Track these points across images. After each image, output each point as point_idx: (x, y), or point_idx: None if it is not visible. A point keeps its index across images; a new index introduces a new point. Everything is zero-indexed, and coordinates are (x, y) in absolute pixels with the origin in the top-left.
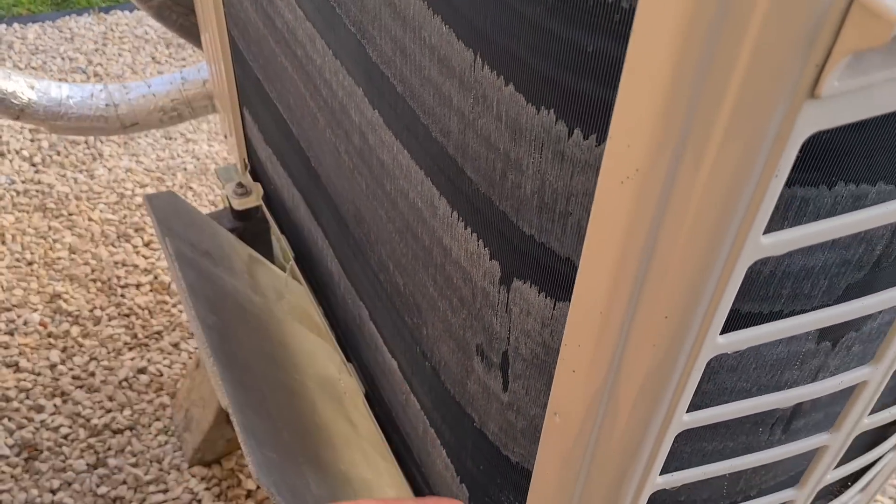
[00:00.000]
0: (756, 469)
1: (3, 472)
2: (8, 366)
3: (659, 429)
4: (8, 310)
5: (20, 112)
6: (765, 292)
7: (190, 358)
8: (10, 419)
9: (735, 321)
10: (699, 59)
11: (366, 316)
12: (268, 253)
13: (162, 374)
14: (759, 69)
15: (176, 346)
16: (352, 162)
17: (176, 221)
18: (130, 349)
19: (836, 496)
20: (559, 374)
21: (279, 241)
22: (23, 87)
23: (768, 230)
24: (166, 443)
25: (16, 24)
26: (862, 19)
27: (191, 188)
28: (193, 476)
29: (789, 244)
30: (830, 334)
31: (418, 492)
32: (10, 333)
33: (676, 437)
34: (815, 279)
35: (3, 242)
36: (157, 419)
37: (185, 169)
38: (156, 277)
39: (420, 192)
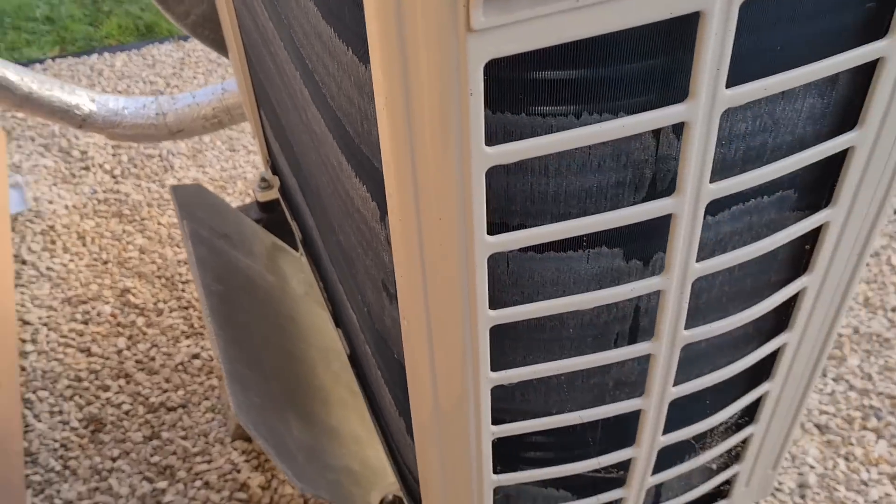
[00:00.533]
0: (591, 374)
1: (72, 442)
2: (81, 350)
3: (470, 324)
4: (84, 302)
5: (82, 121)
6: (534, 209)
7: None
8: (80, 396)
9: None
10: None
11: (335, 279)
12: (293, 241)
13: (212, 360)
14: (429, 9)
15: None
16: (308, 138)
17: (198, 208)
18: (187, 337)
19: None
20: (400, 290)
21: (292, 226)
22: (85, 100)
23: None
24: (213, 419)
25: (106, 54)
26: None
27: (248, 194)
28: (235, 449)
29: (508, 156)
30: (637, 254)
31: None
32: (85, 323)
33: (507, 342)
34: (575, 200)
35: (84, 244)
36: (206, 399)
37: (245, 178)
38: None
39: (333, 153)
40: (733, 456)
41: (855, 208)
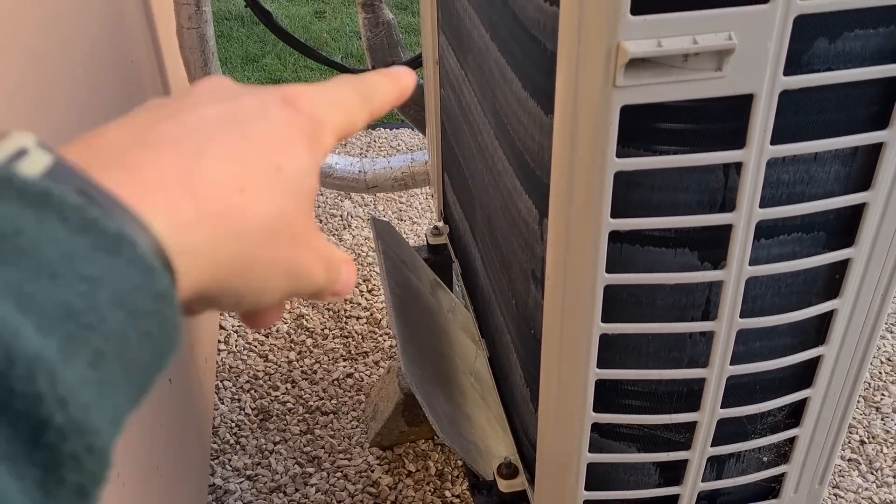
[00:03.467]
0: (672, 345)
1: (245, 424)
2: (260, 356)
3: (591, 287)
4: None
5: None
6: (645, 214)
7: (384, 371)
8: (255, 391)
9: None
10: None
11: (487, 292)
12: (449, 283)
13: (363, 380)
14: (594, 77)
15: (377, 363)
16: (488, 178)
17: (388, 237)
18: (344, 360)
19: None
20: (548, 268)
21: (454, 264)
22: None
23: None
24: (356, 427)
25: None
26: (621, 52)
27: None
28: (371, 454)
29: (628, 165)
30: (708, 258)
31: (510, 417)
32: (267, 336)
33: (615, 304)
34: (670, 210)
35: None
36: (353, 409)
37: (426, 240)
38: (371, 314)
39: (510, 180)
40: (782, 454)
41: (875, 250)
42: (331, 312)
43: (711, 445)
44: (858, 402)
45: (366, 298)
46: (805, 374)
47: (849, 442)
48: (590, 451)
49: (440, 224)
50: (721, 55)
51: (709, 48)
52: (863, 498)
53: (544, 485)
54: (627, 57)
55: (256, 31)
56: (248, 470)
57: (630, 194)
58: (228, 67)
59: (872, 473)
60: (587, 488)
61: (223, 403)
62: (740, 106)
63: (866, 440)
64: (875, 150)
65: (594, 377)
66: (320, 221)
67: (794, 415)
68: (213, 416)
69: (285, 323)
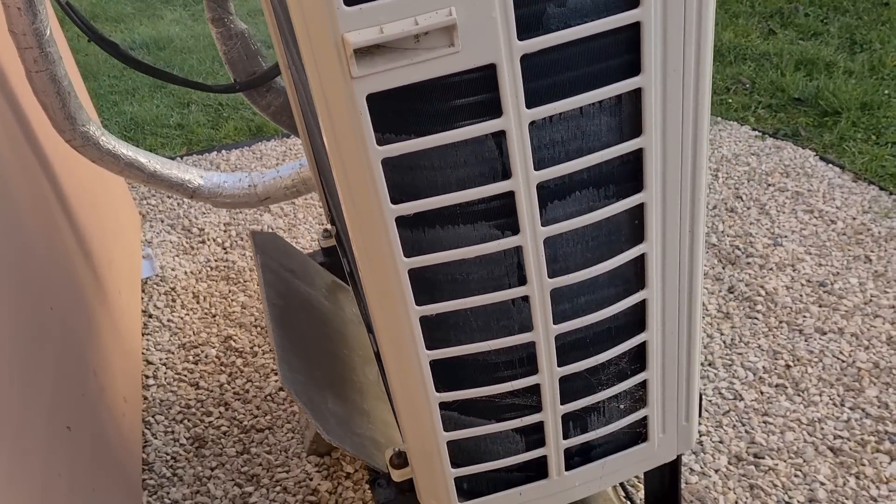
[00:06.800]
0: (498, 316)
1: (180, 455)
2: (191, 385)
3: (395, 269)
4: (195, 347)
5: (193, 192)
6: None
7: None
8: (188, 420)
9: None
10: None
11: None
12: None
13: None
14: (330, 69)
15: None
16: (328, 166)
17: (271, 249)
18: (275, 374)
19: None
20: (354, 249)
21: (342, 261)
22: (195, 176)
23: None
24: (292, 438)
25: (223, 151)
26: (346, 43)
27: None
28: (309, 462)
29: (392, 151)
30: (506, 227)
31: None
32: (196, 363)
33: (434, 290)
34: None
35: (198, 302)
36: (288, 422)
37: (319, 244)
38: None
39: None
40: (638, 399)
41: (667, 190)
42: (258, 329)
43: (561, 403)
44: (781, 327)
45: None
46: (637, 320)
47: (774, 368)
48: (447, 429)
49: (329, 226)
50: (449, 31)
51: (432, 26)
52: (791, 421)
53: (417, 468)
54: (352, 48)
55: (162, 57)
56: (187, 500)
57: (415, 178)
58: (137, 97)
59: (799, 395)
60: (457, 465)
61: (156, 438)
62: (490, 75)
63: (791, 364)
64: (637, 96)
65: (426, 358)
66: (241, 239)
67: (638, 359)
68: (147, 451)
69: (213, 347)
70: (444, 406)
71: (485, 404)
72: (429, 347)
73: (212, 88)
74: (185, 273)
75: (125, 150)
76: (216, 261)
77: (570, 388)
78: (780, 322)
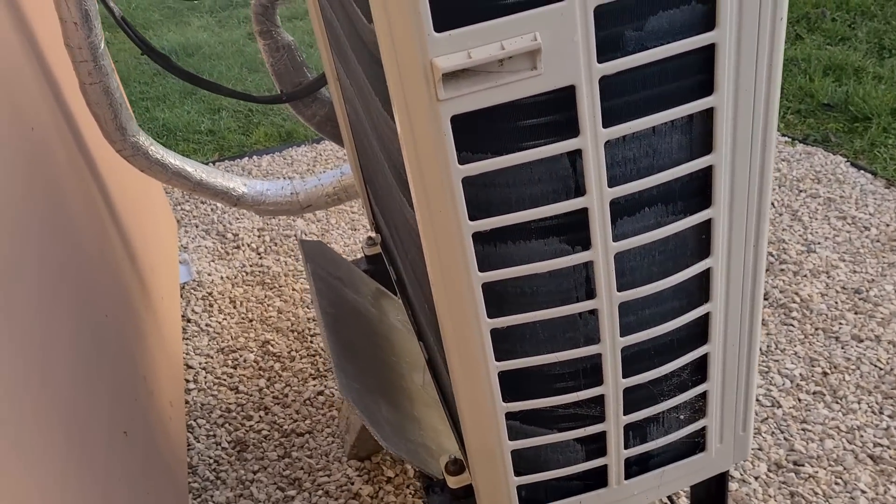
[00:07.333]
0: (565, 328)
1: (223, 458)
2: (231, 389)
3: (468, 284)
4: (234, 351)
5: (237, 201)
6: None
7: None
8: (230, 424)
9: None
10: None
11: (415, 299)
12: (393, 288)
13: (333, 395)
14: (418, 93)
15: None
16: (391, 193)
17: (319, 257)
18: (314, 378)
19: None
20: (429, 269)
21: (389, 270)
22: (239, 185)
23: (463, 162)
24: (332, 443)
25: (254, 157)
26: (435, 68)
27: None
28: (350, 466)
29: (473, 170)
30: (577, 242)
31: (451, 417)
32: (235, 367)
33: (503, 303)
34: (528, 203)
35: (234, 306)
36: (328, 426)
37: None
38: None
39: (394, 188)
40: (697, 410)
41: (734, 206)
42: (295, 334)
43: (624, 414)
44: (817, 334)
45: None
46: (700, 333)
47: (812, 375)
48: (511, 438)
49: (373, 234)
50: (532, 55)
51: (518, 51)
52: (830, 428)
53: (479, 476)
54: (441, 73)
55: (191, 63)
56: (231, 503)
57: (489, 195)
58: (168, 103)
59: (837, 402)
60: (519, 473)
61: (199, 441)
62: (569, 96)
63: (828, 371)
64: (709, 115)
65: (495, 370)
66: (275, 245)
67: (699, 371)
68: (191, 455)
69: (251, 351)
70: (509, 416)
71: (547, 414)
72: (497, 359)
73: (259, 99)
74: (222, 278)
75: (172, 160)
76: (251, 266)
77: (633, 398)
78: (816, 329)
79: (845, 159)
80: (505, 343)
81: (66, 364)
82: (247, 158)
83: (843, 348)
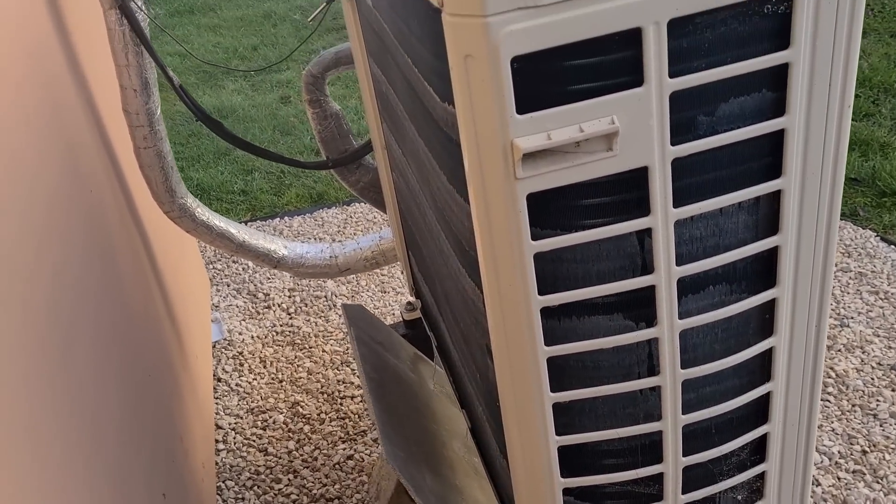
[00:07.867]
0: (625, 404)
1: None
2: (260, 450)
3: (533, 357)
4: (263, 412)
5: (277, 262)
6: (573, 286)
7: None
8: (258, 487)
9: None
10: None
11: (460, 364)
12: (429, 353)
13: (363, 460)
14: (496, 172)
15: (375, 440)
16: (441, 260)
17: (361, 321)
18: (343, 442)
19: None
20: (492, 338)
21: (429, 335)
22: (280, 247)
23: (536, 238)
24: None
25: (286, 217)
26: (515, 149)
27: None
28: None
29: (544, 246)
30: (641, 319)
31: (494, 484)
32: (264, 428)
33: (564, 377)
34: (595, 279)
35: (265, 366)
36: (357, 492)
37: (394, 314)
38: None
39: (455, 262)
40: (755, 490)
41: (798, 287)
42: (325, 396)
43: (683, 493)
44: (854, 411)
45: (357, 376)
46: (760, 411)
47: (850, 453)
48: None
49: (413, 299)
50: (609, 137)
51: (595, 134)
52: None
53: None
54: (521, 153)
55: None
56: None
57: (557, 269)
58: (202, 164)
59: (878, 482)
60: None
61: None
62: (641, 176)
63: (868, 449)
64: (776, 196)
65: (555, 444)
66: (305, 305)
67: (758, 451)
68: None
69: (281, 413)
70: (568, 491)
71: (601, 490)
72: (558, 433)
73: (306, 165)
74: (252, 337)
75: (217, 221)
76: (281, 325)
77: (691, 476)
78: (853, 405)
79: (875, 234)
80: (564, 417)
81: (114, 426)
82: (278, 219)
83: (881, 426)
